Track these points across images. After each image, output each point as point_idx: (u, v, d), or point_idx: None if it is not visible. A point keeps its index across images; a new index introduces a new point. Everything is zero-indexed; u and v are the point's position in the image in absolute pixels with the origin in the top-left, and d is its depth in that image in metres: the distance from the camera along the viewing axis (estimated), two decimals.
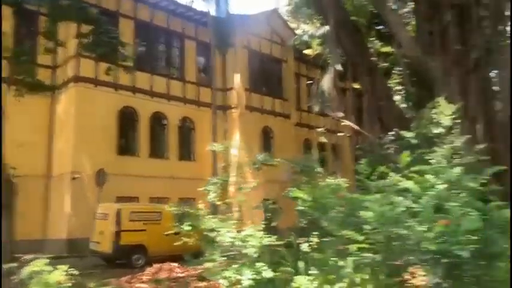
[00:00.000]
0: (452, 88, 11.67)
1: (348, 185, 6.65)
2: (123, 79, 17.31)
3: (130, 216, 12.61)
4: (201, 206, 7.38)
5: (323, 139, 13.84)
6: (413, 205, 4.14)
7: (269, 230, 8.72)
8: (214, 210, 9.17)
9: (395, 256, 4.16)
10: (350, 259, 4.31)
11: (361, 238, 4.25)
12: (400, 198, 4.26)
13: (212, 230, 5.42)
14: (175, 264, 8.83)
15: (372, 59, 15.82)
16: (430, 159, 8.64)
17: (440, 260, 3.67)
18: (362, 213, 4.09)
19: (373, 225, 4.05)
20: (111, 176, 15.11)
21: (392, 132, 10.78)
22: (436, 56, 12.45)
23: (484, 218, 3.89)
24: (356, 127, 12.57)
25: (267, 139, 22.51)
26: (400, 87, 18.80)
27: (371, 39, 17.73)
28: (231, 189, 9.38)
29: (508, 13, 13.77)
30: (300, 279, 4.50)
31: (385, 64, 18.85)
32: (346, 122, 12.56)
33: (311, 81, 16.73)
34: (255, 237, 4.90)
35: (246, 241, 4.92)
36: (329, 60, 15.34)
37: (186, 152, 19.94)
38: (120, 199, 15.62)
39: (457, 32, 12.00)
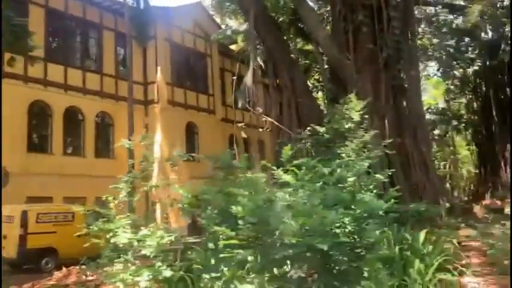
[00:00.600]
0: (364, 85, 12.28)
1: (265, 179, 6.73)
2: (34, 71, 16.12)
3: (39, 218, 11.78)
4: (111, 205, 7.05)
5: (243, 134, 13.87)
6: (290, 199, 4.18)
7: (194, 227, 8.60)
8: (131, 209, 8.85)
9: (267, 251, 4.12)
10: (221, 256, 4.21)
11: (233, 234, 4.19)
12: (280, 192, 4.30)
13: (110, 231, 5.18)
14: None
15: (292, 55, 16.20)
16: (341, 153, 9.05)
17: (305, 254, 3.71)
18: (234, 208, 4.01)
19: (245, 220, 4.00)
20: (19, 175, 14.03)
21: (309, 128, 11.11)
22: (350, 54, 13.04)
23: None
24: (275, 122, 12.78)
25: (191, 135, 22.22)
26: (319, 84, 19.47)
27: (291, 36, 18.11)
28: (152, 187, 9.16)
29: (412, 18, 14.75)
30: (206, 278, 4.45)
31: (306, 61, 19.40)
32: (266, 118, 12.74)
33: (235, 77, 16.72)
34: (153, 236, 4.75)
35: (143, 241, 4.76)
36: (250, 56, 15.39)
37: (104, 148, 19.05)
38: (31, 200, 14.56)
39: (369, 32, 12.63)
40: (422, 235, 6.10)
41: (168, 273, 4.43)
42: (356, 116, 8.98)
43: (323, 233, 3.56)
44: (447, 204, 11.46)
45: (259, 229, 3.95)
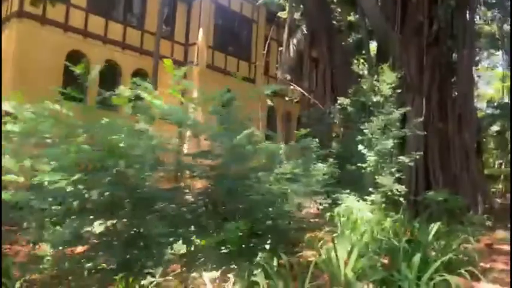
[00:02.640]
0: (409, 60, 11.09)
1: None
2: (74, 21, 16.11)
3: None
4: None
5: (269, 102, 13.15)
6: None
7: None
8: None
9: None
10: None
11: None
12: None
13: None
14: None
15: (333, 24, 15.06)
16: (365, 129, 8.14)
17: None
18: None
19: None
20: None
21: (339, 101, 10.21)
22: (397, 26, 11.80)
23: None
24: (305, 93, 11.94)
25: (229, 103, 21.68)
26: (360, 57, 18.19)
27: (335, 3, 16.86)
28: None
29: None
30: None
31: (348, 32, 18.11)
32: (295, 87, 11.94)
33: (282, 47, 15.96)
34: None
35: None
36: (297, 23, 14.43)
37: None
38: None
39: (420, 2, 11.31)
40: (435, 228, 5.20)
41: None
42: (385, 89, 8.01)
43: None
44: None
45: None
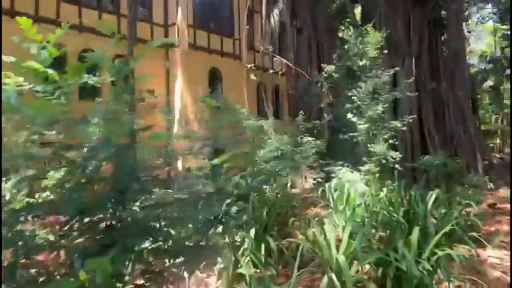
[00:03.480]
0: (396, 21, 10.55)
1: None
2: (46, 11, 15.37)
3: None
4: None
5: (253, 77, 12.61)
6: None
7: None
8: None
9: None
10: None
11: None
12: None
13: None
14: None
15: None
16: (352, 96, 7.68)
17: None
18: None
19: None
20: None
21: (325, 69, 9.73)
22: None
23: None
24: (290, 64, 11.41)
25: (215, 81, 21.11)
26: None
27: None
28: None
29: None
30: None
31: None
32: (280, 59, 11.40)
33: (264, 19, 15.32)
34: None
35: None
36: None
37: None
38: None
39: None
40: (434, 195, 4.81)
41: None
42: (371, 51, 7.52)
43: None
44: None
45: None
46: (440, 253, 3.41)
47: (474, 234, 4.71)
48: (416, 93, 8.43)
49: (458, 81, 10.79)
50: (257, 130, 8.28)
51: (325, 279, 3.13)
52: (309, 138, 7.04)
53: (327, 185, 5.99)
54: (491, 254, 4.45)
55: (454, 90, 10.61)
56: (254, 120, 8.60)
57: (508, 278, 3.86)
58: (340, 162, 7.58)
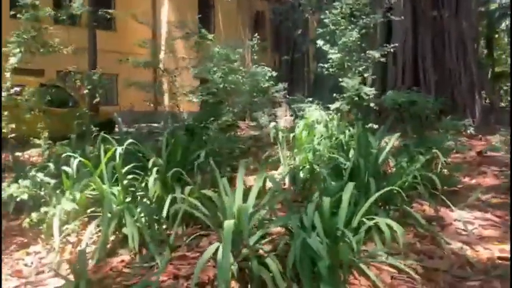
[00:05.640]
0: None
1: None
2: None
3: None
4: None
5: None
6: None
7: None
8: None
9: None
10: None
11: None
12: None
13: None
14: None
15: None
16: (325, 19, 6.44)
17: None
18: None
19: None
20: None
21: None
22: None
23: None
24: None
25: (206, 8, 19.45)
26: None
27: None
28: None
29: None
30: None
31: None
32: None
33: None
34: None
35: None
36: None
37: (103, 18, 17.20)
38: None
39: None
40: (392, 141, 3.77)
41: None
42: None
43: None
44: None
45: None
46: (369, 222, 2.45)
47: (446, 189, 3.76)
48: (402, 18, 7.10)
49: (463, 10, 9.33)
50: (224, 58, 7.23)
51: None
52: (266, 68, 5.97)
53: (271, 124, 5.01)
54: (460, 217, 3.47)
55: (457, 20, 9.19)
56: (221, 48, 7.49)
57: (471, 252, 2.90)
58: (310, 99, 6.51)
